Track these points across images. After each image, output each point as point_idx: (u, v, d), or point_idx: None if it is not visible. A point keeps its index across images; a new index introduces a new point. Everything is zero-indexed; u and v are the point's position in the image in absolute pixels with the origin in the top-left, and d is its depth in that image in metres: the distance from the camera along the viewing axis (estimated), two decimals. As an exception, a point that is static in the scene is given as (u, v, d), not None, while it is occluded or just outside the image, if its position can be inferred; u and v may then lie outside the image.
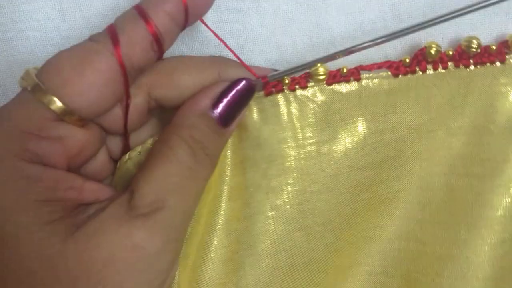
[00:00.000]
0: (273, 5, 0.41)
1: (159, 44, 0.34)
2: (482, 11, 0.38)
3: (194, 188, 0.35)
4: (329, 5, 0.41)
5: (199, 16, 0.36)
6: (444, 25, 0.38)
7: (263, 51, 0.42)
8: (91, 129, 0.35)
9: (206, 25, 0.37)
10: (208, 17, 0.41)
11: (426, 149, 0.41)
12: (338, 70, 0.39)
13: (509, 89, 0.41)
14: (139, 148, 0.38)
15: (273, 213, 0.40)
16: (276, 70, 0.39)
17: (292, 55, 0.42)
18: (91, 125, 0.35)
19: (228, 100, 0.37)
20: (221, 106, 0.36)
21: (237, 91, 0.37)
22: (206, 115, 0.36)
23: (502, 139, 0.41)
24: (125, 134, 0.37)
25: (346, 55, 0.38)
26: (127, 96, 0.35)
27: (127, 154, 0.38)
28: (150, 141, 0.38)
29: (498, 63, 0.40)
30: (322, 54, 0.41)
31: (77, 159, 0.34)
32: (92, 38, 0.33)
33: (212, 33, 0.38)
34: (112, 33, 0.33)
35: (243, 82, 0.37)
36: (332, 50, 0.40)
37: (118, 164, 0.38)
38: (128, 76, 0.34)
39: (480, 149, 0.41)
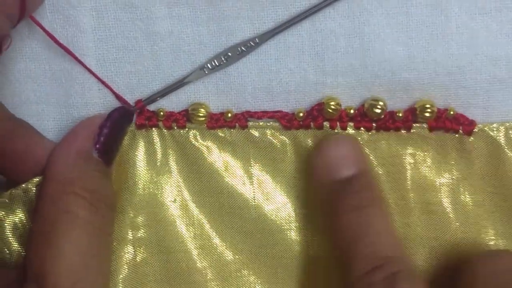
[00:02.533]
0: (172, 45, 0.34)
1: None
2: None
3: (107, 248, 0.31)
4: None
5: (36, 6, 0.32)
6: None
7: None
8: None
9: (37, 23, 0.32)
10: (91, 54, 0.34)
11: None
12: (222, 114, 0.35)
13: (417, 160, 0.36)
14: None
15: (136, 270, 0.35)
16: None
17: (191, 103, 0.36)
18: None
19: (107, 135, 0.32)
20: (102, 143, 0.32)
21: (114, 121, 0.33)
22: (93, 158, 0.32)
23: (419, 219, 0.36)
24: None
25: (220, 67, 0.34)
26: None
27: None
28: (6, 197, 0.33)
29: (403, 131, 0.35)
30: (229, 105, 0.36)
31: None
32: None
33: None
34: None
35: (116, 111, 0.33)
36: (241, 104, 0.36)
37: None
38: None
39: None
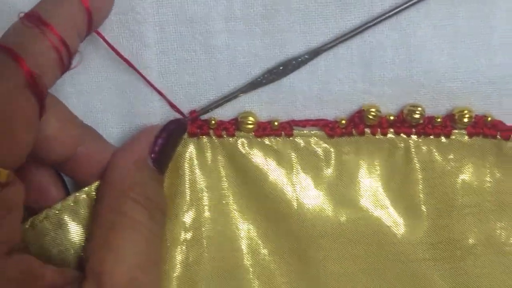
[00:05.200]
0: (228, 57, 0.37)
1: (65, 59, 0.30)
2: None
3: (159, 252, 0.33)
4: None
5: (101, 22, 0.33)
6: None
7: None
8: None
9: (102, 37, 0.34)
10: (153, 66, 0.37)
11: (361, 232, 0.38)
12: (269, 122, 0.37)
13: (457, 165, 0.37)
14: (58, 206, 0.35)
15: (188, 269, 0.37)
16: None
17: (247, 109, 0.38)
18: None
19: (162, 145, 0.34)
20: (157, 153, 0.34)
21: (169, 133, 0.35)
22: (149, 166, 0.33)
23: (457, 221, 0.38)
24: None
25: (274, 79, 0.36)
26: None
27: (43, 212, 0.34)
28: (71, 200, 0.35)
29: (443, 138, 0.36)
30: (281, 114, 0.37)
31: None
32: None
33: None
34: (14, 56, 0.28)
35: (172, 122, 0.35)
36: (292, 112, 0.37)
37: (28, 224, 0.34)
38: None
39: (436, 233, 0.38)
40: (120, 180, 0.33)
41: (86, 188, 0.35)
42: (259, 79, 0.36)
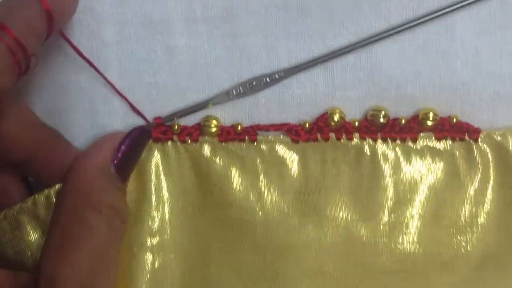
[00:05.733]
0: (189, 58, 0.36)
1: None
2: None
3: (116, 260, 0.32)
4: (253, 61, 0.36)
5: (65, 23, 0.33)
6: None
7: (177, 108, 0.37)
8: None
9: (66, 38, 0.34)
10: (114, 67, 0.36)
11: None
12: (232, 126, 0.36)
13: (424, 171, 0.36)
14: (17, 207, 0.35)
15: (155, 275, 0.37)
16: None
17: (210, 114, 0.37)
18: None
19: (125, 152, 0.34)
20: (119, 160, 0.34)
21: (132, 140, 0.35)
22: (111, 173, 0.33)
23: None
24: None
25: (251, 92, 0.36)
26: None
27: (2, 213, 0.35)
28: (30, 201, 0.35)
29: (410, 143, 0.36)
30: (244, 117, 0.37)
31: None
32: None
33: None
34: None
35: (136, 129, 0.35)
36: (255, 115, 0.37)
37: None
38: None
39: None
40: (81, 187, 0.33)
41: (46, 190, 0.35)
42: (230, 92, 0.36)
